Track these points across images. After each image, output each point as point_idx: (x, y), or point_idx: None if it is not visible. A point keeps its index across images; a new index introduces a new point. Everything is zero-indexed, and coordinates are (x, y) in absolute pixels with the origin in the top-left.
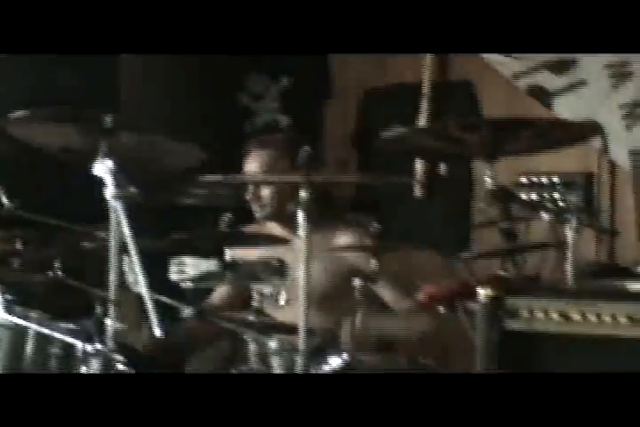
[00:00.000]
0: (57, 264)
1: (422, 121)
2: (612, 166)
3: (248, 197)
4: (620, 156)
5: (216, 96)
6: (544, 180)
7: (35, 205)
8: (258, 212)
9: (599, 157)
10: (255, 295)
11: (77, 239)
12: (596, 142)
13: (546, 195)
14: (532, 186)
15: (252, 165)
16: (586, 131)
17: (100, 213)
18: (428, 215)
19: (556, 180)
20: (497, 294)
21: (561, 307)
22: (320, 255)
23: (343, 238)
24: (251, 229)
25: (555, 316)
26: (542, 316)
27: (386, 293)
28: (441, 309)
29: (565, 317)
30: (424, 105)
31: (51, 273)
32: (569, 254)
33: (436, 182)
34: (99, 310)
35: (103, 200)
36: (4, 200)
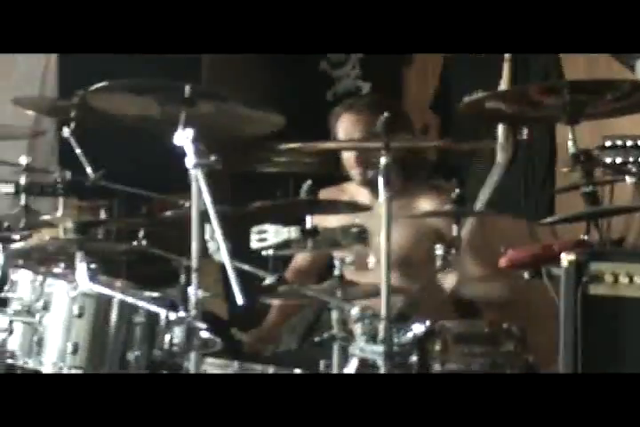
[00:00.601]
0: (140, 233)
1: (504, 85)
2: None
3: (346, 161)
4: None
5: (297, 64)
6: (628, 143)
7: (118, 175)
8: (356, 176)
9: None
10: (336, 262)
11: (160, 208)
12: None
13: (630, 158)
14: (615, 149)
15: (346, 126)
16: None
17: (181, 182)
18: (511, 180)
19: None
20: (581, 259)
21: None
22: (402, 221)
23: (425, 204)
24: (329, 193)
25: None
26: (627, 280)
27: (468, 259)
28: (525, 274)
29: None
30: (505, 69)
31: (134, 242)
32: None
33: (517, 147)
34: (182, 278)
35: (184, 169)
36: (89, 171)
